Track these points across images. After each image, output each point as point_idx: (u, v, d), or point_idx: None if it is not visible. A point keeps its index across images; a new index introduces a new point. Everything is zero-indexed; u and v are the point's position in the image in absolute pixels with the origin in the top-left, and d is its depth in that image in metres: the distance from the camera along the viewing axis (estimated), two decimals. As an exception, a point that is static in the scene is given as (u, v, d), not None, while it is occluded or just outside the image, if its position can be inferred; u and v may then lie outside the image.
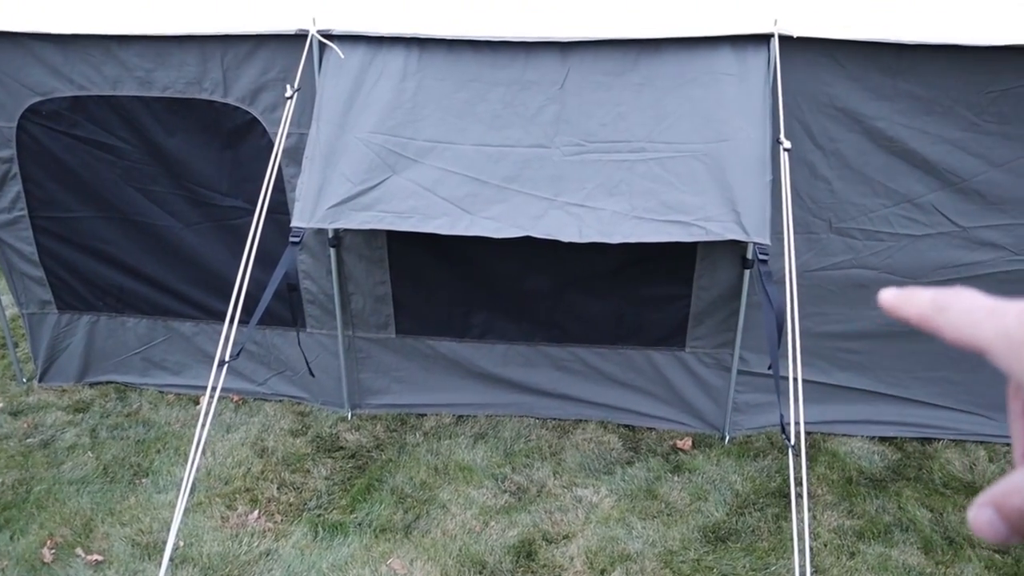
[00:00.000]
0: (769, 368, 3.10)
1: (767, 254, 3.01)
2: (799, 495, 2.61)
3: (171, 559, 3.21)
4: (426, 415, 4.16)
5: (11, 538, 3.34)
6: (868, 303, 3.81)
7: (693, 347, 3.97)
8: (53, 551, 3.26)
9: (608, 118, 3.23)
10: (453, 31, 3.31)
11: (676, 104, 3.21)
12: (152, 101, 3.70)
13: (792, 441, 2.71)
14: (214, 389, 2.75)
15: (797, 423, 2.69)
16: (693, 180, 3.12)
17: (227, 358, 2.81)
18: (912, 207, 3.59)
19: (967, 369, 3.94)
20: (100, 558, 3.23)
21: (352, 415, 4.16)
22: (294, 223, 3.11)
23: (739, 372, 3.95)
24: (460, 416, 4.15)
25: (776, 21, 3.21)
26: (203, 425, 2.67)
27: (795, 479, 2.69)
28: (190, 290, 4.13)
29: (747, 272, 3.70)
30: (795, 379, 2.77)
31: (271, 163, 3.08)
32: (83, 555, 3.25)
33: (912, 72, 3.34)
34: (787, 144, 3.07)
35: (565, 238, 3.08)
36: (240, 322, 4.06)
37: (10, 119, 3.85)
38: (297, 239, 3.05)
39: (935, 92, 3.38)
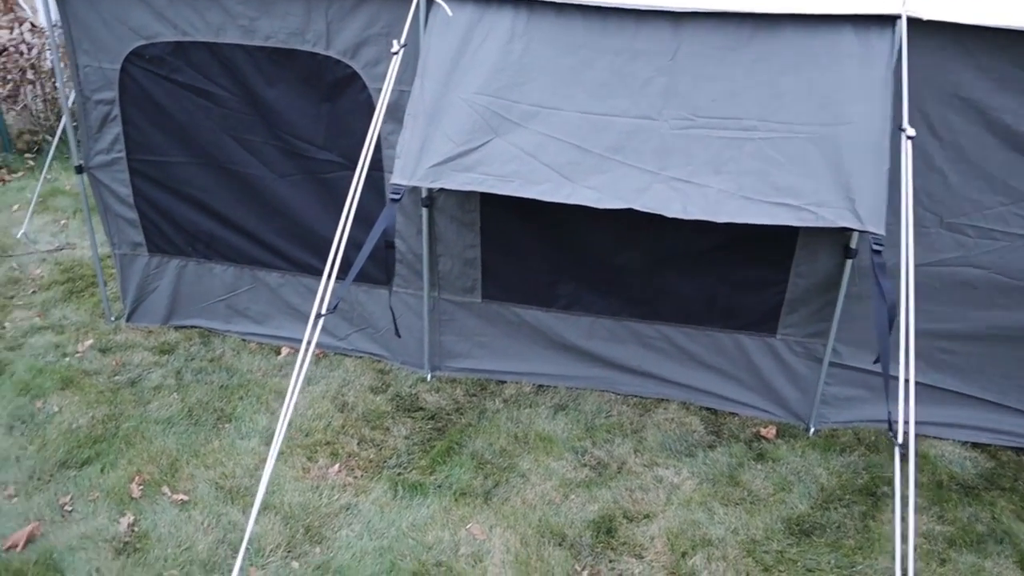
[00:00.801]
0: (876, 362, 2.98)
1: (881, 245, 2.88)
2: (904, 497, 2.51)
3: (253, 506, 3.25)
4: (506, 382, 4.13)
5: (101, 470, 3.42)
6: (974, 303, 3.65)
7: (784, 334, 3.86)
8: (141, 487, 3.33)
9: (719, 93, 3.11)
10: (561, -7, 3.22)
11: (792, 83, 3.07)
12: (253, 50, 3.69)
13: (900, 440, 2.60)
14: (309, 342, 2.74)
15: (907, 423, 2.59)
16: (806, 163, 2.99)
17: (323, 311, 2.79)
18: (1036, 206, 3.41)
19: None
20: (185, 498, 3.28)
21: (432, 376, 4.15)
22: (394, 180, 3.07)
23: (830, 364, 3.83)
24: (540, 386, 4.11)
25: (904, 1, 3.05)
26: (297, 379, 2.68)
27: (901, 480, 2.59)
28: (278, 241, 4.15)
29: (849, 262, 3.57)
30: (907, 380, 2.66)
31: (375, 119, 3.03)
32: (169, 493, 3.30)
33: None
34: (911, 131, 2.92)
35: (669, 213, 2.99)
36: (317, 274, 4.09)
37: (115, 61, 3.88)
38: (397, 196, 3.01)
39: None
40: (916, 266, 3.51)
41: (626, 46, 3.19)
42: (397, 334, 3.88)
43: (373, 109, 3.62)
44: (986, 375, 3.84)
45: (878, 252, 2.86)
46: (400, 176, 3.06)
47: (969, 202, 3.43)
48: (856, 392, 3.92)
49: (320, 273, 4.13)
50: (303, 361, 2.67)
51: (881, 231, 2.88)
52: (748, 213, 2.99)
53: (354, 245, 3.92)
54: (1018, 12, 3.11)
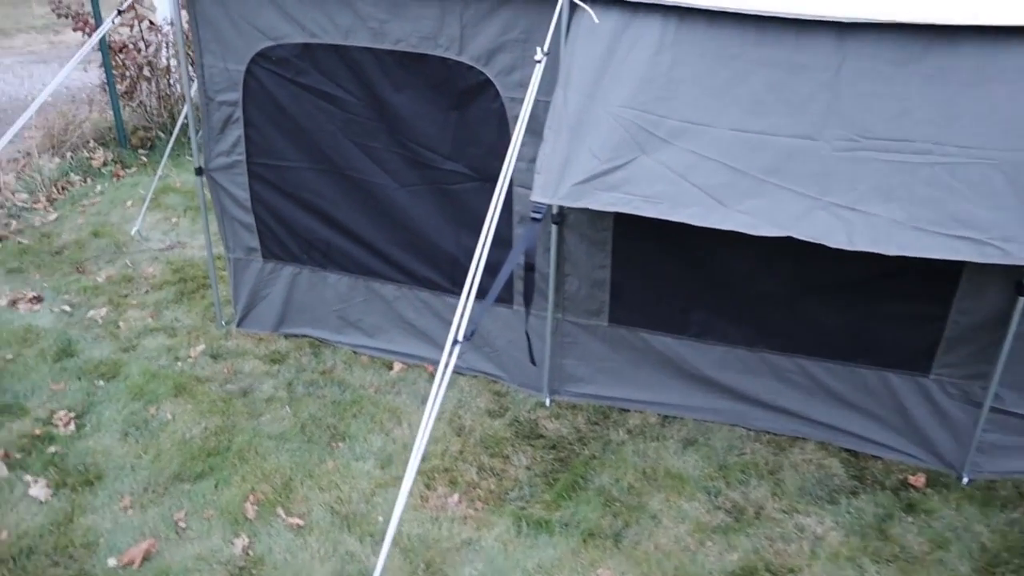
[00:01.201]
0: None
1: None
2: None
3: (371, 535, 3.11)
4: (629, 411, 3.89)
5: (215, 486, 3.33)
6: None
7: (939, 374, 3.52)
8: (255, 507, 3.22)
9: (889, 113, 2.81)
10: (715, 2, 2.96)
11: (972, 103, 2.75)
12: (383, 54, 3.54)
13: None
14: (446, 367, 2.55)
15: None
16: (990, 192, 2.68)
17: (460, 338, 2.60)
18: None
19: None
20: (300, 522, 3.16)
21: (551, 401, 3.95)
22: (535, 197, 2.87)
23: (991, 409, 3.47)
24: (666, 417, 3.86)
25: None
26: (430, 412, 2.50)
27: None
28: (397, 252, 4.00)
29: (1022, 299, 3.22)
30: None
31: (516, 130, 2.83)
32: (284, 516, 3.18)
33: None
34: None
35: (832, 243, 2.71)
36: (452, 292, 3.96)
37: (240, 62, 3.79)
38: (539, 215, 2.81)
39: None
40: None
41: (785, 59, 2.91)
42: (532, 362, 3.67)
43: (505, 119, 3.47)
44: None
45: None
46: (542, 194, 2.86)
47: None
48: (1019, 441, 3.54)
49: (439, 288, 4.03)
50: (437, 393, 2.49)
51: (1086, 270, 2.56)
52: (923, 246, 2.69)
53: (472, 257, 3.78)
54: None
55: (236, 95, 3.87)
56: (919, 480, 3.55)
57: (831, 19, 2.84)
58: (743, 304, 3.61)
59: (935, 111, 2.77)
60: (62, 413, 3.75)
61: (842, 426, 3.72)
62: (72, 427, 3.67)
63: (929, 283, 3.32)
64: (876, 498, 3.43)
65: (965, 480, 3.57)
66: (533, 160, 3.23)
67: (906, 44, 2.82)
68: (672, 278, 3.64)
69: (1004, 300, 3.27)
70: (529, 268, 3.17)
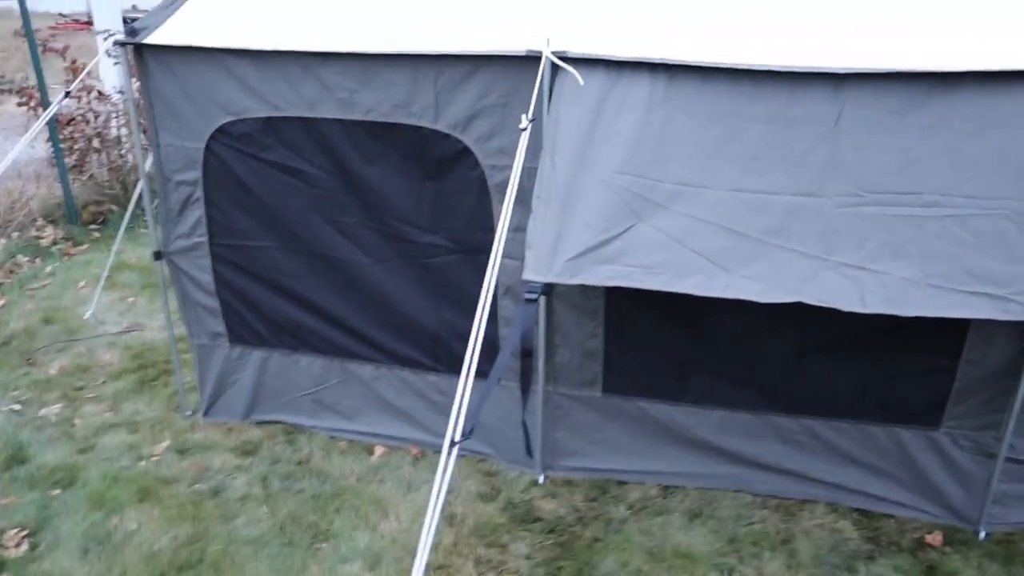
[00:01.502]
0: None
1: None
2: None
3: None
4: (628, 484, 3.68)
5: (190, 607, 3.04)
6: None
7: (949, 427, 3.38)
8: (236, 627, 2.94)
9: (892, 165, 2.69)
10: (705, 57, 2.84)
11: (979, 151, 2.65)
12: (352, 125, 3.36)
13: None
14: (445, 470, 2.32)
15: None
16: (1004, 244, 2.56)
17: (458, 436, 2.38)
18: None
19: None
20: (287, 641, 2.88)
21: (544, 478, 3.72)
22: (528, 276, 2.68)
23: (1006, 460, 3.34)
24: (667, 487, 3.65)
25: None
26: (430, 523, 2.25)
27: None
28: (374, 331, 3.77)
29: (1031, 349, 3.11)
30: None
31: (506, 202, 2.64)
32: (268, 635, 2.91)
33: None
34: None
35: (844, 307, 2.57)
36: (433, 370, 3.73)
37: (199, 140, 3.58)
38: (534, 295, 2.62)
39: None
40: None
41: (780, 113, 2.79)
42: (529, 453, 3.44)
43: (486, 187, 3.30)
44: None
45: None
46: (534, 271, 2.68)
47: None
48: (1032, 490, 3.43)
49: (420, 366, 3.79)
50: (435, 505, 2.25)
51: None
52: (940, 304, 2.56)
53: (457, 335, 3.57)
54: None
55: (195, 174, 3.65)
56: (936, 538, 3.39)
57: (826, 71, 2.74)
58: (744, 366, 3.45)
59: (940, 161, 2.66)
60: (12, 532, 3.40)
61: (852, 486, 3.56)
62: (25, 547, 3.33)
63: (937, 335, 3.18)
64: (895, 562, 3.26)
65: (982, 535, 3.42)
66: (518, 229, 3.07)
67: (905, 93, 2.71)
68: (668, 343, 3.47)
69: (1014, 349, 3.16)
70: (526, 354, 2.97)
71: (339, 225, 3.58)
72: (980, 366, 3.23)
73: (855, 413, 3.44)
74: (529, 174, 2.94)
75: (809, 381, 3.41)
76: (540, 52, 2.93)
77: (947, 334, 3.18)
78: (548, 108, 2.95)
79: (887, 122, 2.73)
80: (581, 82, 2.86)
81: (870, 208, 2.67)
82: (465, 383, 2.36)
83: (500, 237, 2.57)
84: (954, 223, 2.60)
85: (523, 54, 2.98)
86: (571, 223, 2.71)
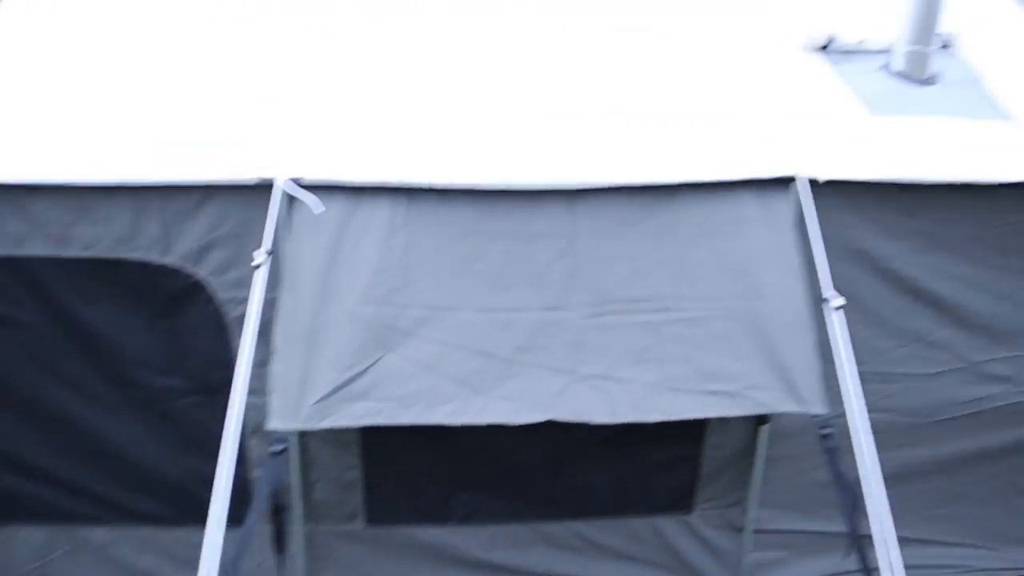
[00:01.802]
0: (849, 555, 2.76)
1: (830, 426, 2.69)
2: None
3: None
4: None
5: None
6: (879, 447, 3.58)
7: (702, 509, 3.59)
8: None
9: (626, 273, 2.87)
10: (444, 178, 2.88)
11: (701, 256, 2.89)
12: (68, 263, 3.03)
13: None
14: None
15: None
16: (731, 343, 2.79)
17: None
18: (924, 346, 3.42)
19: (974, 503, 3.75)
20: None
21: (313, 626, 3.46)
22: (273, 424, 2.52)
23: (753, 531, 3.59)
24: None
25: (800, 163, 2.99)
26: None
27: None
28: (106, 489, 3.36)
29: (763, 428, 3.37)
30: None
31: (243, 339, 2.47)
32: None
33: (926, 210, 3.22)
34: (838, 301, 2.78)
35: (595, 419, 2.68)
36: (179, 524, 3.36)
37: None
38: (282, 446, 2.45)
39: (946, 229, 3.27)
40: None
41: (520, 229, 2.89)
42: None
43: (223, 323, 3.10)
44: (896, 514, 3.74)
45: (828, 436, 2.67)
46: (280, 419, 2.52)
47: (869, 350, 3.35)
48: (779, 555, 3.70)
49: (163, 521, 3.40)
50: None
51: (825, 411, 2.72)
52: (681, 406, 2.73)
53: (203, 483, 3.24)
54: (895, 163, 3.15)
55: None
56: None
57: (560, 187, 2.87)
58: (507, 478, 3.46)
59: (668, 267, 2.86)
60: None
61: (621, 580, 3.65)
62: None
63: (681, 426, 3.33)
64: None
65: (740, 606, 3.62)
66: (261, 364, 2.89)
67: (633, 204, 2.91)
68: (429, 466, 3.40)
69: (748, 431, 3.41)
70: (277, 511, 2.76)
71: (59, 375, 3.19)
72: (722, 449, 3.46)
73: (616, 510, 3.55)
74: (271, 305, 2.79)
75: (570, 485, 3.48)
76: (273, 179, 2.83)
77: (690, 425, 3.36)
78: (285, 238, 2.83)
79: (618, 232, 2.90)
80: (317, 210, 2.78)
81: (611, 318, 2.80)
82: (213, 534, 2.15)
83: (242, 374, 2.41)
84: (686, 326, 2.78)
85: (255, 182, 2.86)
86: (317, 362, 2.60)
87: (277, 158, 2.89)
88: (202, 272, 3.03)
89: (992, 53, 3.92)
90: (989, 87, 3.71)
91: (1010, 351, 3.46)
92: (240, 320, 2.97)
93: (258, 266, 2.66)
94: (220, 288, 3.05)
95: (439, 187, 2.86)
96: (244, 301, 2.93)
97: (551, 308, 2.80)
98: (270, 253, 2.72)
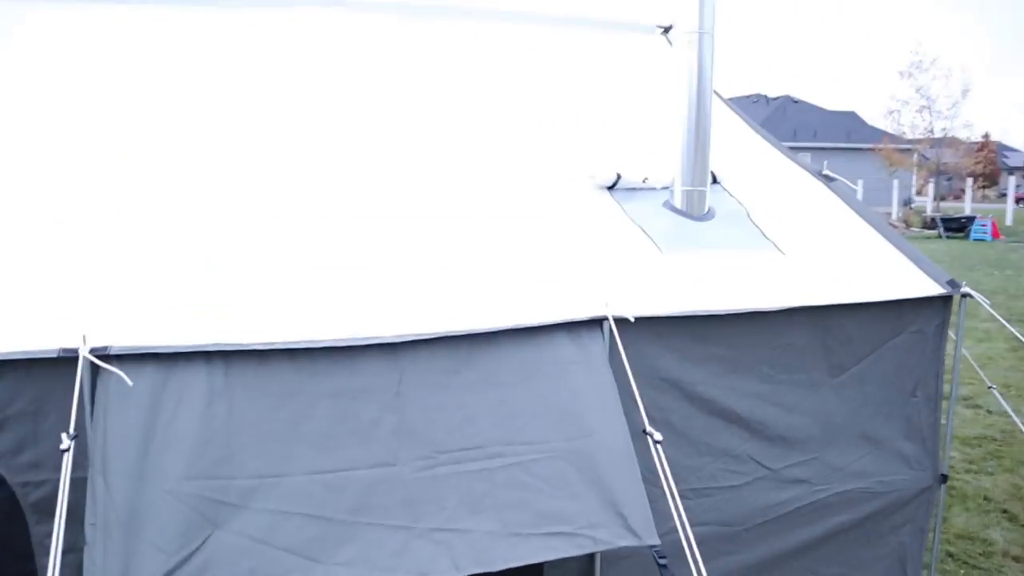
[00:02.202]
0: None
1: (665, 557, 2.80)
2: None
3: None
4: None
5: None
6: (704, 558, 3.74)
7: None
8: None
9: (454, 423, 2.90)
10: (262, 336, 2.81)
11: (525, 400, 2.98)
12: None
13: None
14: None
15: None
16: (564, 483, 2.87)
17: None
18: (731, 459, 3.68)
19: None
20: None
21: None
22: (94, 625, 2.28)
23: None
24: None
25: (607, 304, 3.19)
26: None
27: None
28: None
29: (596, 556, 3.44)
30: None
31: (54, 536, 2.24)
32: None
33: (720, 337, 3.51)
34: (658, 436, 2.95)
35: (441, 575, 2.62)
36: None
37: None
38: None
39: (738, 352, 3.58)
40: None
41: (344, 386, 2.85)
42: None
43: (19, 509, 2.80)
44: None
45: (664, 566, 2.77)
46: (102, 617, 2.28)
47: (685, 468, 3.56)
48: None
49: None
50: None
51: (658, 542, 2.82)
52: (523, 552, 2.75)
53: None
54: (691, 298, 3.43)
55: None
56: None
57: (383, 340, 2.87)
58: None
59: (495, 413, 2.92)
60: None
61: None
62: None
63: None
64: None
65: None
66: (69, 551, 2.62)
67: (455, 353, 2.96)
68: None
69: (585, 560, 3.46)
70: None
71: None
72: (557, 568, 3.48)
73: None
74: (78, 485, 2.56)
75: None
76: (76, 351, 2.64)
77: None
78: (92, 415, 2.63)
79: (443, 382, 2.93)
80: (130, 383, 2.61)
81: (444, 468, 2.80)
82: None
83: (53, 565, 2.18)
84: (520, 470, 2.83)
85: (55, 355, 2.65)
86: (139, 548, 2.39)
87: (77, 326, 2.70)
88: (-8, 457, 2.74)
89: (752, 187, 4.44)
90: (755, 219, 4.17)
91: (803, 456, 3.79)
92: (39, 505, 2.71)
93: (66, 450, 2.43)
94: (13, 472, 2.75)
95: (256, 347, 2.77)
96: (42, 484, 2.70)
97: (383, 465, 2.76)
98: (75, 437, 2.50)
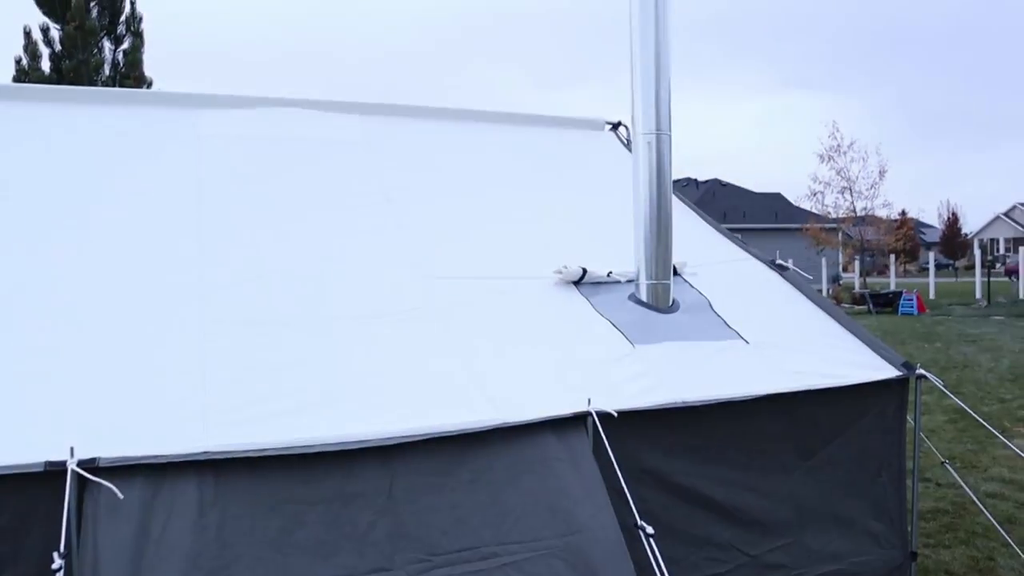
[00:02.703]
0: None
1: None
2: None
3: None
4: None
5: None
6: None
7: None
8: None
9: (447, 523, 2.91)
10: (252, 442, 2.80)
11: (516, 498, 3.02)
12: None
13: None
14: None
15: None
16: None
17: None
18: (713, 548, 3.73)
19: None
20: None
21: None
22: None
23: None
24: None
25: (590, 400, 3.26)
26: None
27: None
28: None
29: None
30: None
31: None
32: None
33: (695, 427, 3.61)
34: (649, 529, 2.99)
35: None
36: None
37: None
38: None
39: (713, 441, 3.68)
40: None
41: (337, 491, 2.85)
42: None
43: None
44: None
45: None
46: None
47: (668, 560, 3.48)
48: None
49: None
50: None
51: (655, 640, 2.84)
52: None
53: None
54: (669, 389, 3.53)
55: None
56: None
57: (374, 443, 2.88)
58: None
59: (487, 512, 2.94)
60: None
61: None
62: None
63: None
64: None
65: None
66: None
67: (445, 454, 2.99)
68: None
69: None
70: None
71: None
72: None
73: None
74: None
75: None
76: (64, 463, 2.58)
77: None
78: (79, 532, 2.56)
79: (435, 483, 2.95)
80: (120, 495, 2.56)
81: (440, 571, 2.80)
82: None
83: None
84: (514, 570, 2.84)
85: (41, 468, 2.59)
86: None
87: (63, 437, 2.64)
88: (-27, 578, 2.64)
89: (711, 278, 4.61)
90: (717, 309, 4.33)
91: (781, 540, 3.86)
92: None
93: (58, 569, 2.36)
94: (-3, 613, 2.65)
95: (247, 454, 2.75)
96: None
97: (378, 570, 2.75)
98: (65, 556, 2.42)
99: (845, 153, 32.58)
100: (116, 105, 4.77)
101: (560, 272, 4.27)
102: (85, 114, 4.60)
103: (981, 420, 5.53)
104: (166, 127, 4.65)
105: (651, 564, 2.93)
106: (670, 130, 4.33)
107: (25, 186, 3.96)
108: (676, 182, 4.57)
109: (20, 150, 4.23)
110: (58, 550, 2.42)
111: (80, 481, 2.59)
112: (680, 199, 5.54)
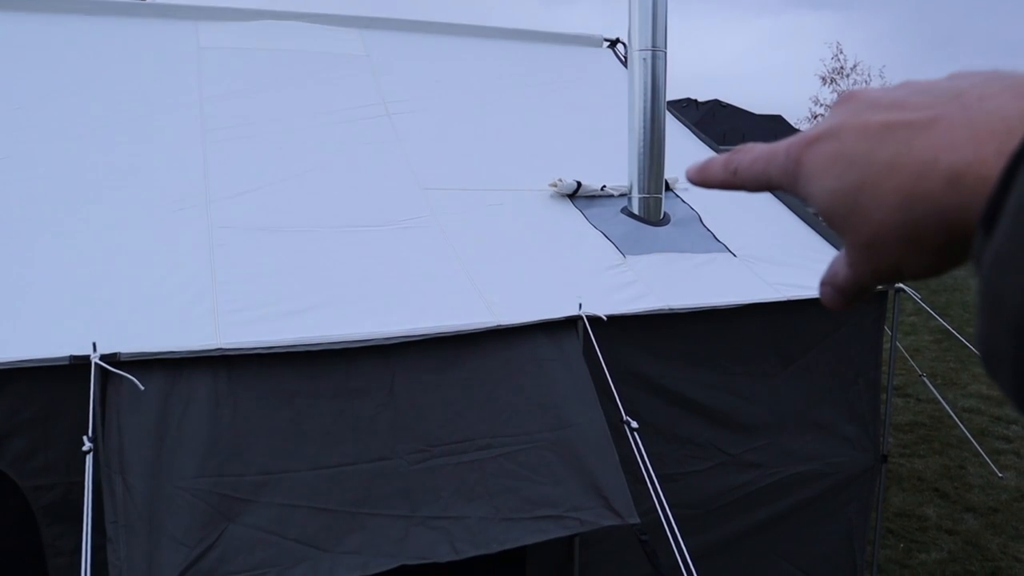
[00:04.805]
0: None
1: (646, 534, 3.04)
2: None
3: None
4: None
5: None
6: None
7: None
8: None
9: (444, 418, 3.11)
10: (260, 339, 2.98)
11: (509, 395, 3.21)
12: None
13: None
14: None
15: None
16: (549, 471, 3.10)
17: None
18: (694, 446, 3.95)
19: (754, 571, 4.29)
20: None
21: None
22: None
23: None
24: None
25: (581, 304, 3.43)
26: None
27: None
28: None
29: (574, 540, 3.68)
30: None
31: (83, 542, 2.38)
32: None
33: (681, 334, 3.79)
34: (634, 424, 3.20)
35: (440, 558, 2.83)
36: None
37: None
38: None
39: (698, 347, 3.86)
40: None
41: (341, 386, 3.05)
42: None
43: (31, 514, 2.90)
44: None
45: (646, 542, 3.02)
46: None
47: (652, 456, 3.71)
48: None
49: None
50: None
51: (638, 520, 3.06)
52: (515, 534, 2.97)
53: None
54: (657, 296, 3.70)
55: None
56: None
57: (375, 342, 3.06)
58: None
59: (483, 408, 3.13)
60: None
61: None
62: None
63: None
64: None
65: None
66: (74, 551, 2.76)
67: (443, 353, 3.17)
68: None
69: (561, 551, 3.70)
70: None
71: None
72: (540, 564, 3.71)
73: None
74: (69, 489, 2.70)
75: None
76: (87, 357, 2.76)
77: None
78: (104, 419, 2.76)
79: (433, 381, 3.14)
80: (141, 387, 2.76)
81: (438, 460, 3.01)
82: None
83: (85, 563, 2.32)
84: (507, 460, 3.05)
85: (66, 362, 2.78)
86: (160, 542, 2.55)
87: (86, 333, 2.83)
88: (3, 461, 2.83)
89: (702, 194, 4.73)
90: (707, 223, 4.47)
91: (759, 441, 4.09)
92: (49, 509, 2.83)
93: (88, 451, 2.57)
94: (24, 476, 2.85)
95: (256, 351, 2.93)
96: (55, 487, 2.82)
97: (381, 459, 2.95)
98: (94, 439, 2.63)
99: (848, 76, 32.27)
100: (118, 16, 4.81)
101: (555, 185, 4.39)
102: (85, 25, 4.65)
103: (964, 340, 5.75)
104: (167, 38, 4.71)
105: (635, 458, 3.15)
106: (666, 47, 4.40)
107: (28, 99, 4.04)
108: (676, 103, 4.69)
109: (22, 61, 4.30)
110: (87, 434, 2.62)
111: (103, 374, 2.78)
112: (678, 119, 5.64)
